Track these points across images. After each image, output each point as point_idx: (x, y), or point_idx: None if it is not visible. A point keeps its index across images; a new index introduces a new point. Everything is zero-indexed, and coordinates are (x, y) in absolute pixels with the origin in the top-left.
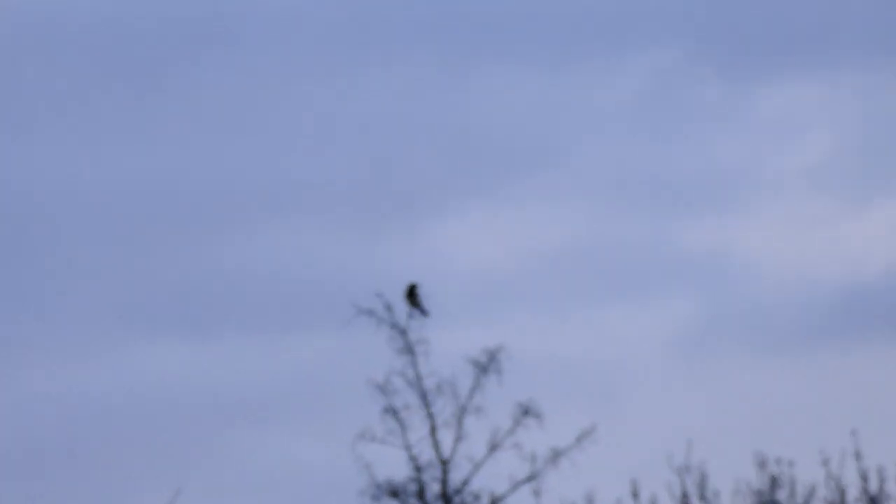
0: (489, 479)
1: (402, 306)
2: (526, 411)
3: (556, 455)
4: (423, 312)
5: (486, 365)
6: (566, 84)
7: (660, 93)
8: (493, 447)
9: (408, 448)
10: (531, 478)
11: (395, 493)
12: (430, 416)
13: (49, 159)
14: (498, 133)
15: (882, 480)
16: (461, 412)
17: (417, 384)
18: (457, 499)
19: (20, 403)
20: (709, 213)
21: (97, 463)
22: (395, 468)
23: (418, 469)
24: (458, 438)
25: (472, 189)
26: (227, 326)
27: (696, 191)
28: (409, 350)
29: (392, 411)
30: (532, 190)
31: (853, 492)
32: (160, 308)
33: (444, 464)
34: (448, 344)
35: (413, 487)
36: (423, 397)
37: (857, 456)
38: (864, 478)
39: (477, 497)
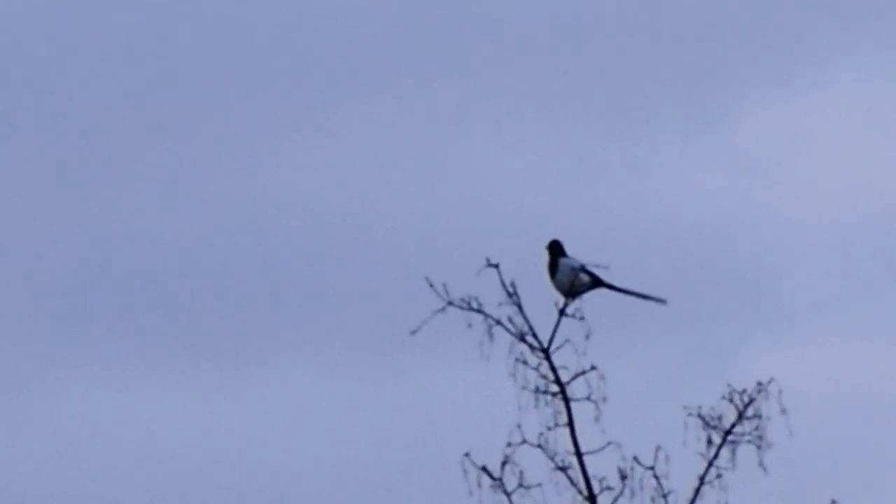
0: None
1: (548, 296)
2: None
3: None
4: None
5: (735, 424)
6: None
7: None
8: None
9: None
10: None
11: None
12: None
13: None
14: None
15: None
16: None
17: (579, 470)
18: None
19: None
20: None
21: None
22: None
23: None
24: None
25: (794, 59)
26: (249, 349)
27: None
28: (557, 392)
29: None
30: None
31: None
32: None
33: None
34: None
35: None
36: (589, 492)
37: None
38: None
39: None
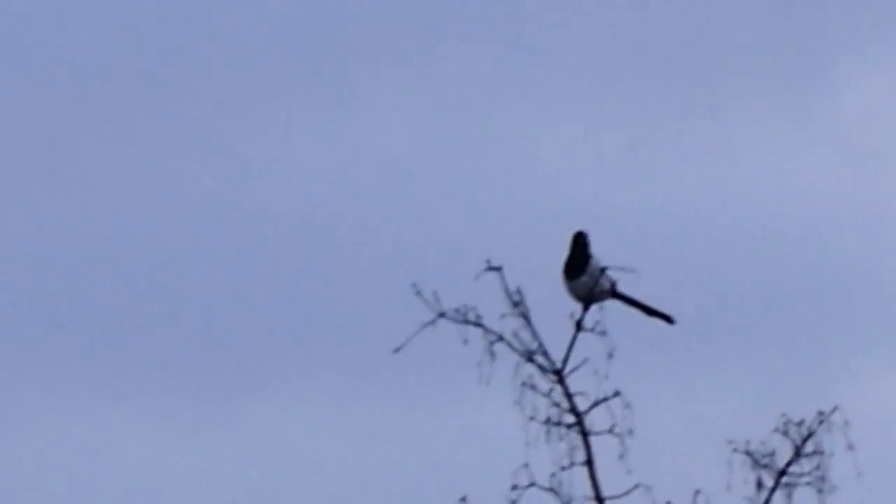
0: None
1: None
2: None
3: None
4: (652, 313)
5: (791, 462)
6: None
7: None
8: None
9: None
10: None
11: None
12: None
13: None
14: None
15: None
16: None
17: None
18: None
19: None
20: None
21: None
22: None
23: None
24: None
25: None
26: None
27: None
28: (573, 423)
29: None
30: None
31: None
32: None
33: None
34: None
35: None
36: None
37: None
38: None
39: None
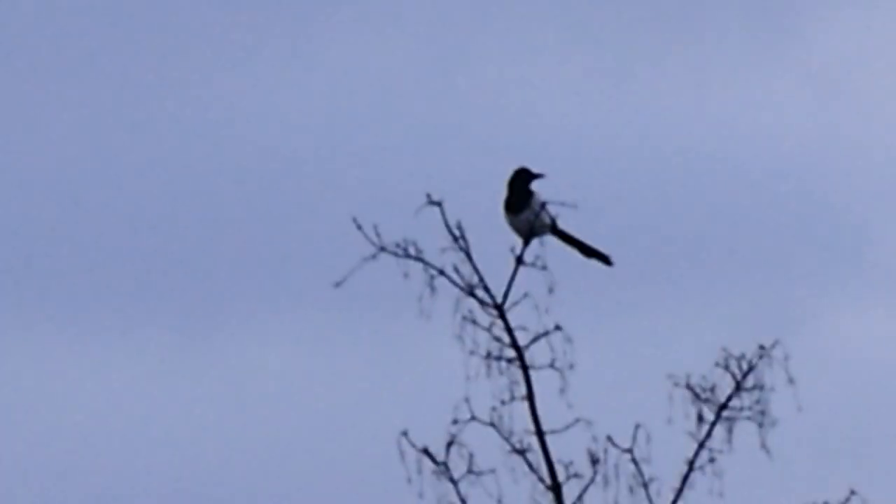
0: None
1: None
2: None
3: None
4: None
5: (731, 396)
6: None
7: None
8: None
9: None
10: None
11: None
12: None
13: None
14: None
15: None
16: None
17: (541, 453)
18: None
19: None
20: None
21: None
22: None
23: None
24: None
25: None
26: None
27: None
28: (514, 358)
29: None
30: None
31: None
32: None
33: None
34: None
35: None
36: (553, 480)
37: None
38: None
39: None
